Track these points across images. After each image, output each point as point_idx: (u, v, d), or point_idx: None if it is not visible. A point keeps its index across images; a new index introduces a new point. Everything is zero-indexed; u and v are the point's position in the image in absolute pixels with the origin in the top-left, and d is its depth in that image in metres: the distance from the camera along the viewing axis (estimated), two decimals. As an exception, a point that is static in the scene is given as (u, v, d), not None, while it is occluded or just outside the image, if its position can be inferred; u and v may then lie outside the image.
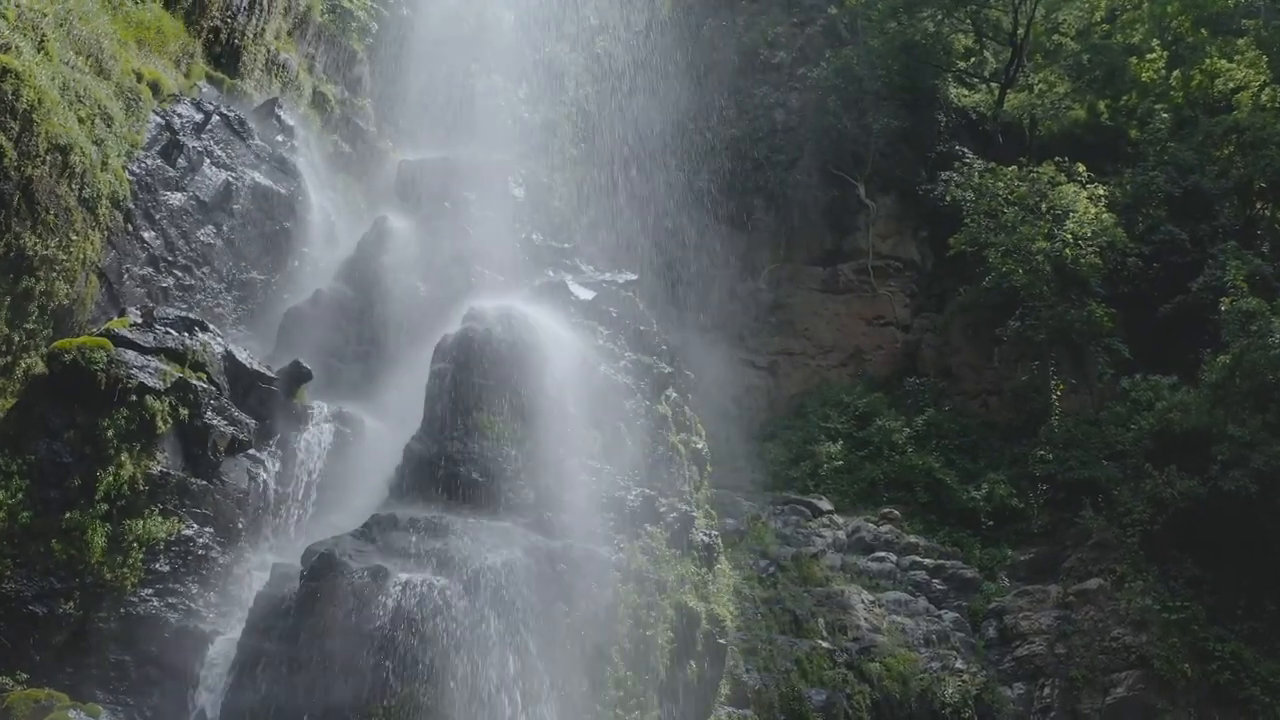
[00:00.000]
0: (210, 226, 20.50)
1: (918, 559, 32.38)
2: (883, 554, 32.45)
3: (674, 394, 21.18)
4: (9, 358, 16.39)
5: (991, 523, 33.44)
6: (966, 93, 44.62)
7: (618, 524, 16.74)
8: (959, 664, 28.52)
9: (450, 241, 21.80)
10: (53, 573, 14.71)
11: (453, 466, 15.95)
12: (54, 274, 16.98)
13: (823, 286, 42.54)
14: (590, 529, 16.24)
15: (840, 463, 36.49)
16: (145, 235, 19.09)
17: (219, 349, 17.40)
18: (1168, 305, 35.37)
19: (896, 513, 34.49)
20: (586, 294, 19.62)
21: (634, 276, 22.37)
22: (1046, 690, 28.28)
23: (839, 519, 34.54)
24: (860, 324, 41.82)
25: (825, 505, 34.95)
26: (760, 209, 43.11)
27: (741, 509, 32.37)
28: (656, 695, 16.72)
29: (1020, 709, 28.36)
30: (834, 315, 42.04)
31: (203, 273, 20.24)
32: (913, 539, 33.25)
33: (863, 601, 29.59)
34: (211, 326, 17.75)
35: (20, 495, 14.80)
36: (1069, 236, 34.11)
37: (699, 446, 21.56)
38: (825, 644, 27.59)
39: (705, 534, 19.63)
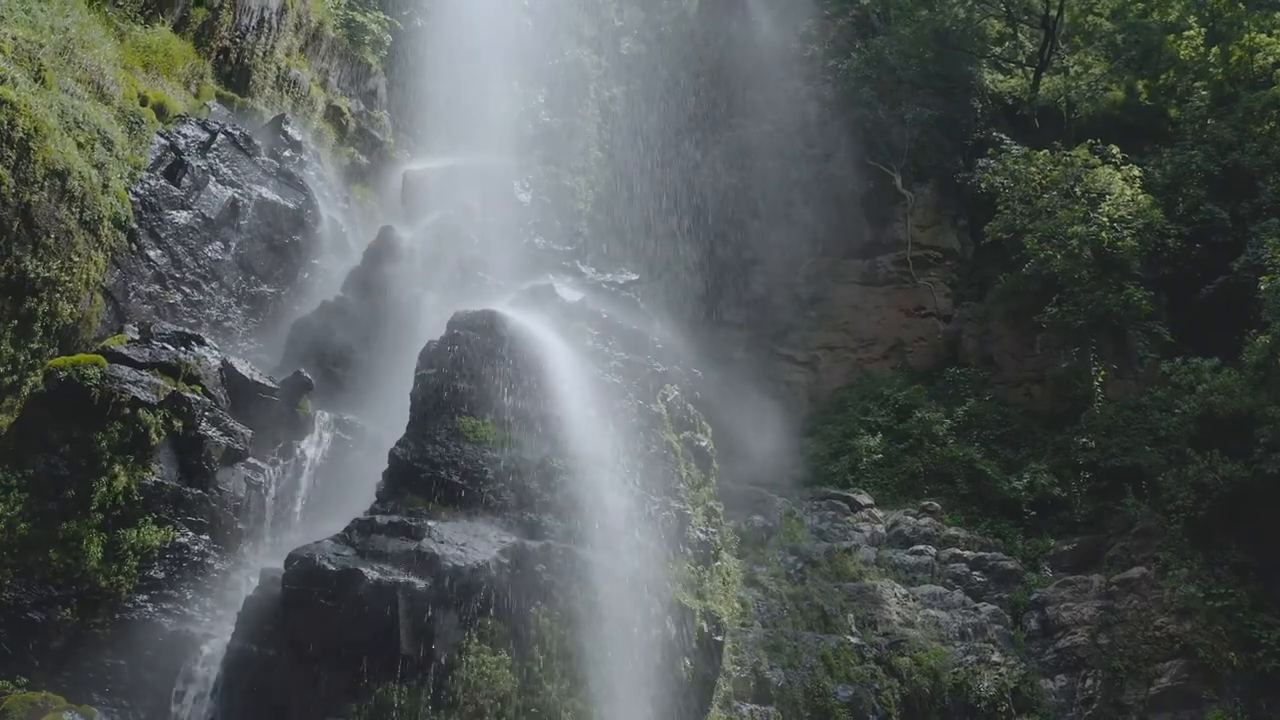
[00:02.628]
0: (218, 243, 21.08)
1: (958, 551, 32.07)
2: (921, 547, 32.21)
3: (675, 392, 21.26)
4: (15, 376, 17.01)
5: (1034, 513, 33.01)
6: (1002, 78, 43.94)
7: (603, 523, 16.85)
8: (995, 657, 28.24)
9: (453, 249, 22.14)
10: (51, 581, 15.35)
11: (433, 470, 16.23)
12: (57, 294, 17.60)
13: (862, 279, 42.24)
14: (573, 529, 16.37)
15: (880, 456, 36.24)
16: (151, 254, 19.70)
17: (215, 362, 17.92)
18: (1209, 286, 34.56)
19: (937, 505, 34.17)
20: (574, 296, 19.78)
21: (634, 277, 22.47)
22: (1089, 682, 27.97)
23: (878, 513, 34.32)
24: (901, 316, 41.44)
25: (865, 499, 34.72)
26: (797, 203, 42.87)
27: (774, 505, 32.28)
28: (647, 693, 16.81)
29: (1062, 701, 28.04)
30: (874, 308, 41.73)
31: (211, 288, 20.81)
32: (953, 531, 32.94)
33: (896, 596, 29.37)
34: (208, 340, 18.29)
35: (19, 508, 15.46)
36: (1105, 220, 33.47)
37: (703, 444, 21.61)
38: (854, 639, 27.43)
39: (703, 532, 19.68)
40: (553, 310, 19.20)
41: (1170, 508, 29.66)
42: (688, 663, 17.96)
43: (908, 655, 27.15)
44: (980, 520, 33.87)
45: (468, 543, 15.24)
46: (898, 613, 28.77)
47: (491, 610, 14.86)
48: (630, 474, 18.20)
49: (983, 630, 29.18)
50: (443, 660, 14.31)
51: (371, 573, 14.48)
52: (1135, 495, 30.94)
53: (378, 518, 15.54)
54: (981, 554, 31.91)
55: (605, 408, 18.45)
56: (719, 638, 18.56)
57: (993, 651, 28.42)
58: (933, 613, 29.44)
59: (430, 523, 15.37)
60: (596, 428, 17.72)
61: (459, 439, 16.51)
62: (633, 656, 16.53)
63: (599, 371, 18.78)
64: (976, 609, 30.14)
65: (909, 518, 33.48)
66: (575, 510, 16.55)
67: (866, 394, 39.18)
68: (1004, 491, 33.76)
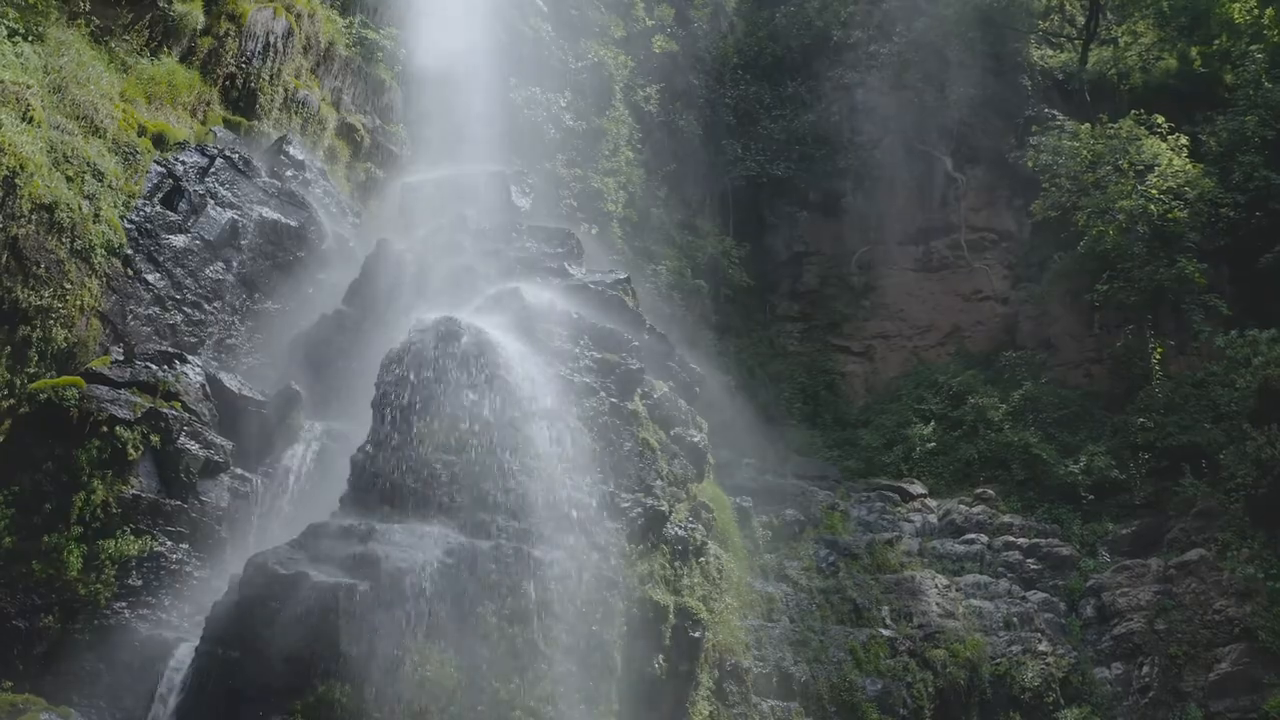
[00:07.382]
0: (219, 264, 21.91)
1: (1011, 539, 31.46)
2: (972, 536, 31.64)
3: (665, 389, 21.31)
4: (12, 400, 18.06)
5: (1092, 496, 32.17)
6: (1051, 53, 42.80)
7: (562, 522, 17.02)
8: (1043, 646, 27.71)
9: (445, 257, 22.58)
10: (34, 590, 16.21)
11: (388, 475, 16.66)
12: (51, 321, 18.63)
13: (916, 265, 41.67)
14: (528, 528, 16.56)
15: (933, 444, 35.77)
16: (149, 277, 20.60)
17: (197, 378, 18.69)
18: (1269, 254, 33.05)
19: (991, 492, 33.55)
20: (542, 298, 20.00)
21: (624, 275, 22.53)
22: (1146, 669, 27.44)
23: (931, 502, 33.81)
24: (957, 300, 40.72)
25: (918, 489, 34.25)
26: (847, 192, 42.56)
27: (816, 499, 32.00)
28: (613, 690, 16.91)
29: (1118, 690, 27.47)
30: (929, 294, 41.12)
31: (214, 307, 21.66)
32: (1007, 518, 32.25)
33: (937, 586, 28.91)
34: (191, 358, 19.08)
35: (4, 522, 16.40)
36: (1153, 192, 32.38)
37: (695, 440, 21.59)
38: (886, 632, 27.14)
39: (681, 528, 19.68)
40: (521, 313, 19.43)
41: (1230, 486, 28.79)
42: (661, 659, 18.04)
43: (943, 647, 26.74)
44: (1037, 506, 33.21)
45: (413, 544, 15.61)
46: (937, 604, 28.27)
47: (435, 610, 15.19)
48: (598, 472, 18.32)
49: (1029, 619, 28.53)
50: (384, 659, 14.69)
51: (316, 575, 14.96)
52: (1195, 474, 29.97)
53: (331, 522, 16.06)
54: (1036, 540, 31.25)
55: (575, 407, 18.62)
56: (695, 634, 18.57)
57: (1040, 641, 27.83)
58: (976, 603, 28.89)
59: (379, 526, 15.80)
60: (558, 427, 17.89)
61: (413, 443, 16.91)
62: (595, 654, 16.67)
63: (566, 371, 18.95)
64: (1024, 598, 29.49)
65: (962, 506, 32.90)
66: (529, 510, 16.76)
67: (921, 382, 38.63)
68: (1060, 476, 32.96)
